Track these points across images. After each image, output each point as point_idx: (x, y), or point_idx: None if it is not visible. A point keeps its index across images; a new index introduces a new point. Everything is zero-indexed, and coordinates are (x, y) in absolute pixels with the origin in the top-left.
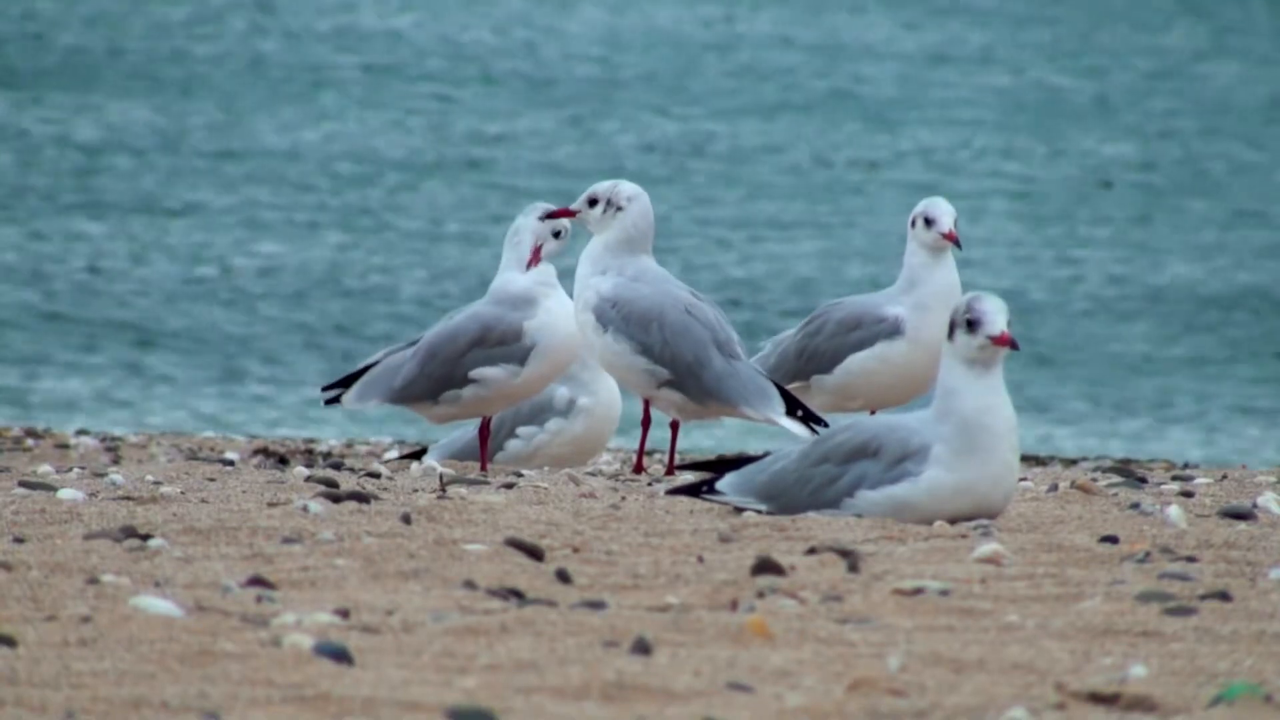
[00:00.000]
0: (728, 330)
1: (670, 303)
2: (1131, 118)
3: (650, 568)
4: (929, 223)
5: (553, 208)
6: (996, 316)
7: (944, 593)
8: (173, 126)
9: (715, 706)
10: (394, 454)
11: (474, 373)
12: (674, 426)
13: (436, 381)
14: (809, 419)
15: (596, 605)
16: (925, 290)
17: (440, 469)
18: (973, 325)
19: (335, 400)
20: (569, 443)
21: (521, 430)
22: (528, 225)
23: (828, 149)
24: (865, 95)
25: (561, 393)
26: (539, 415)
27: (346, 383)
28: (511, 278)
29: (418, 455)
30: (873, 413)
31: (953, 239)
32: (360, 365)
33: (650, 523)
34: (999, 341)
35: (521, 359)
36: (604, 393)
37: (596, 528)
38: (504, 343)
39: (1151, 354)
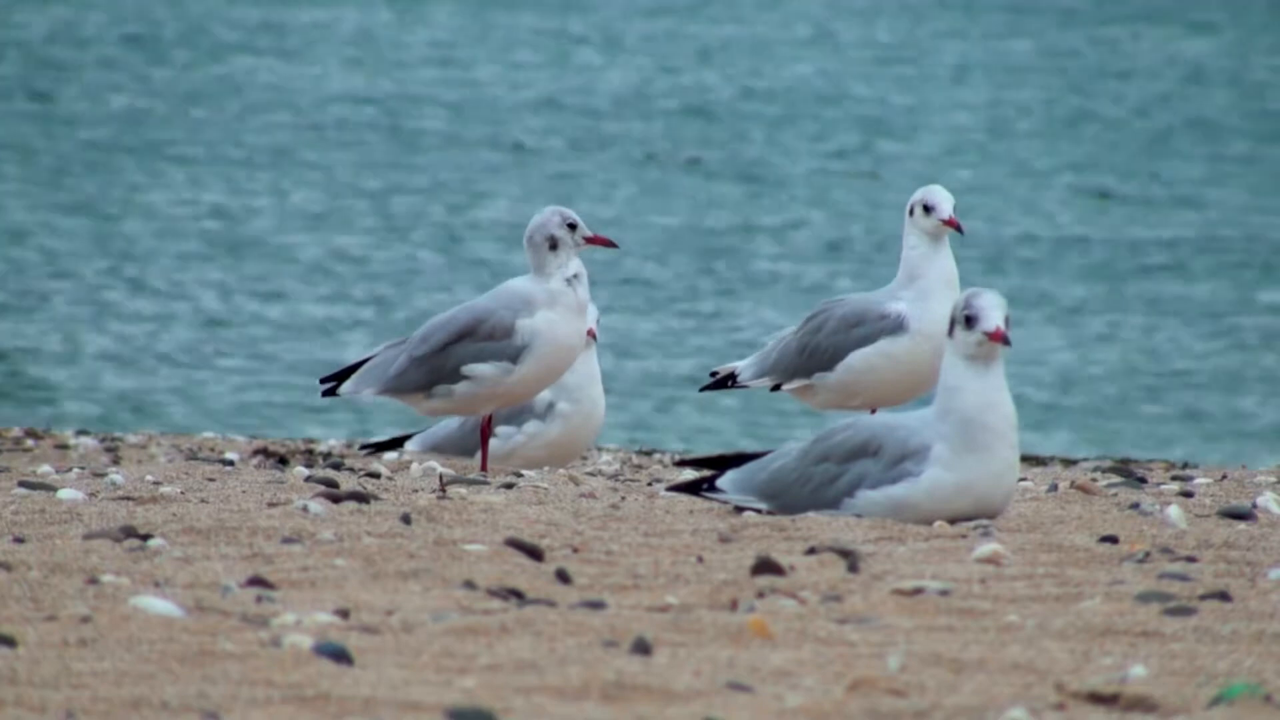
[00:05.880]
0: None
1: None
2: None
3: (650, 568)
4: (928, 210)
5: (563, 210)
6: (993, 312)
7: (944, 593)
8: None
9: (715, 706)
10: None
11: (466, 368)
12: None
13: (428, 373)
14: None
15: (596, 605)
16: (925, 282)
17: (440, 469)
18: (970, 321)
19: (332, 392)
20: (544, 446)
21: (500, 430)
22: (545, 224)
23: None
24: None
25: (541, 396)
26: (517, 416)
27: (344, 376)
28: (525, 280)
29: (396, 444)
30: (873, 411)
31: (954, 225)
32: (359, 358)
33: (650, 523)
34: (993, 337)
35: (514, 357)
36: (586, 400)
37: (596, 528)
38: (493, 337)
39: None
